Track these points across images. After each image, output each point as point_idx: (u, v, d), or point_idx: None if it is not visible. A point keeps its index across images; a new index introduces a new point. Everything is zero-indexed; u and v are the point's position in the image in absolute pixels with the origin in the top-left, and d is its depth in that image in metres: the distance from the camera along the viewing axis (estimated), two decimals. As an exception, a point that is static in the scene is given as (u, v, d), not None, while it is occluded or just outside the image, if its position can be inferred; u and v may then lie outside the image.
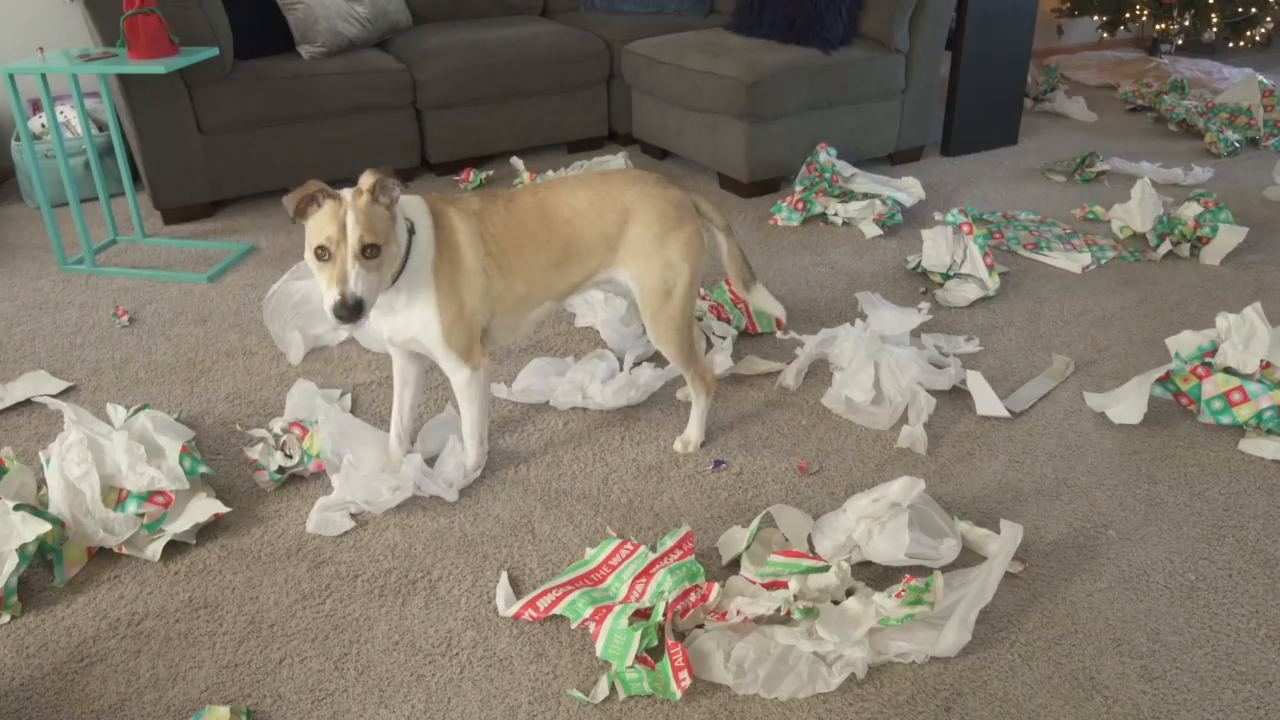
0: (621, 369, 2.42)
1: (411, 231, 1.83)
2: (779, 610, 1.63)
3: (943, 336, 2.58)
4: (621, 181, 1.99)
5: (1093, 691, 1.55)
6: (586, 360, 2.42)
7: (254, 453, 2.07)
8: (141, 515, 1.87)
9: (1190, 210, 3.13)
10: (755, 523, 1.82)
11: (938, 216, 3.18)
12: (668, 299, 1.99)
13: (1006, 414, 2.26)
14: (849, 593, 1.68)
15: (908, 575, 1.64)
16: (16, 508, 1.79)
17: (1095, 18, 5.68)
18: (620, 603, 1.68)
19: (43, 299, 2.99)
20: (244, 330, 2.76)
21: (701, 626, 1.65)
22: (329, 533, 1.93)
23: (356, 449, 2.03)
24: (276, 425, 2.11)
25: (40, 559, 1.83)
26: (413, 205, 1.87)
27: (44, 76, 2.93)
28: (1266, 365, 2.17)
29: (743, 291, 2.17)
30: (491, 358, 1.99)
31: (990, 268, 2.84)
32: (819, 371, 2.47)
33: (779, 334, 2.66)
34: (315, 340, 2.62)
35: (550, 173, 3.74)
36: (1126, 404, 2.20)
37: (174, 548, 1.90)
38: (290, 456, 2.06)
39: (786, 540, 1.85)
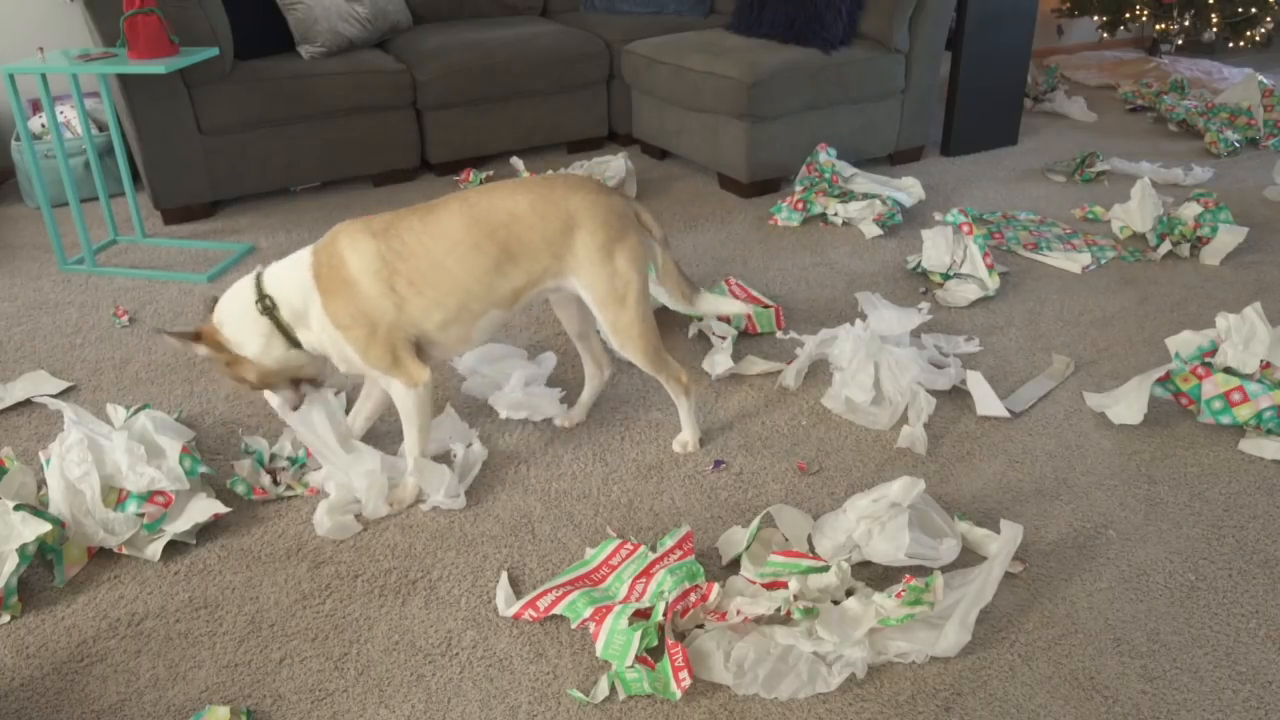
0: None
1: (271, 310, 1.90)
2: (779, 610, 1.63)
3: (943, 336, 2.57)
4: (565, 187, 1.94)
5: (1093, 691, 1.55)
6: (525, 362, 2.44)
7: (242, 468, 2.06)
8: (141, 515, 1.87)
9: (1190, 210, 3.13)
10: (755, 523, 1.82)
11: (938, 216, 3.17)
12: (623, 307, 1.96)
13: (1006, 414, 2.26)
14: (849, 593, 1.68)
15: (908, 575, 1.64)
16: (16, 508, 1.78)
17: (1095, 18, 5.68)
18: (620, 603, 1.68)
19: (43, 299, 2.99)
20: (244, 330, 2.76)
21: (701, 626, 1.65)
22: (340, 536, 1.93)
23: (350, 459, 2.02)
24: (284, 449, 2.13)
25: (40, 559, 1.83)
26: (292, 287, 1.89)
27: (44, 76, 2.93)
28: (1266, 365, 2.17)
29: (688, 307, 2.12)
30: (428, 372, 1.96)
31: (990, 268, 2.84)
32: (819, 371, 2.47)
33: (779, 334, 2.66)
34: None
35: (550, 173, 3.74)
36: (1126, 404, 2.20)
37: (174, 548, 1.90)
38: (278, 484, 2.05)
39: (786, 540, 1.85)
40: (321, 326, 1.89)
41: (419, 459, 1.99)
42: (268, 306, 1.89)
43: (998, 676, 1.58)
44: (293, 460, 2.11)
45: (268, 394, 2.01)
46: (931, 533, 1.79)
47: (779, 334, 2.66)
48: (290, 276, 1.90)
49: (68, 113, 3.71)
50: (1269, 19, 5.35)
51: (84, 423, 1.95)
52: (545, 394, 2.31)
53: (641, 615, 1.62)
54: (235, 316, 1.91)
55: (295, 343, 1.93)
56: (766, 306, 2.72)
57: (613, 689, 1.56)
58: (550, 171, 3.81)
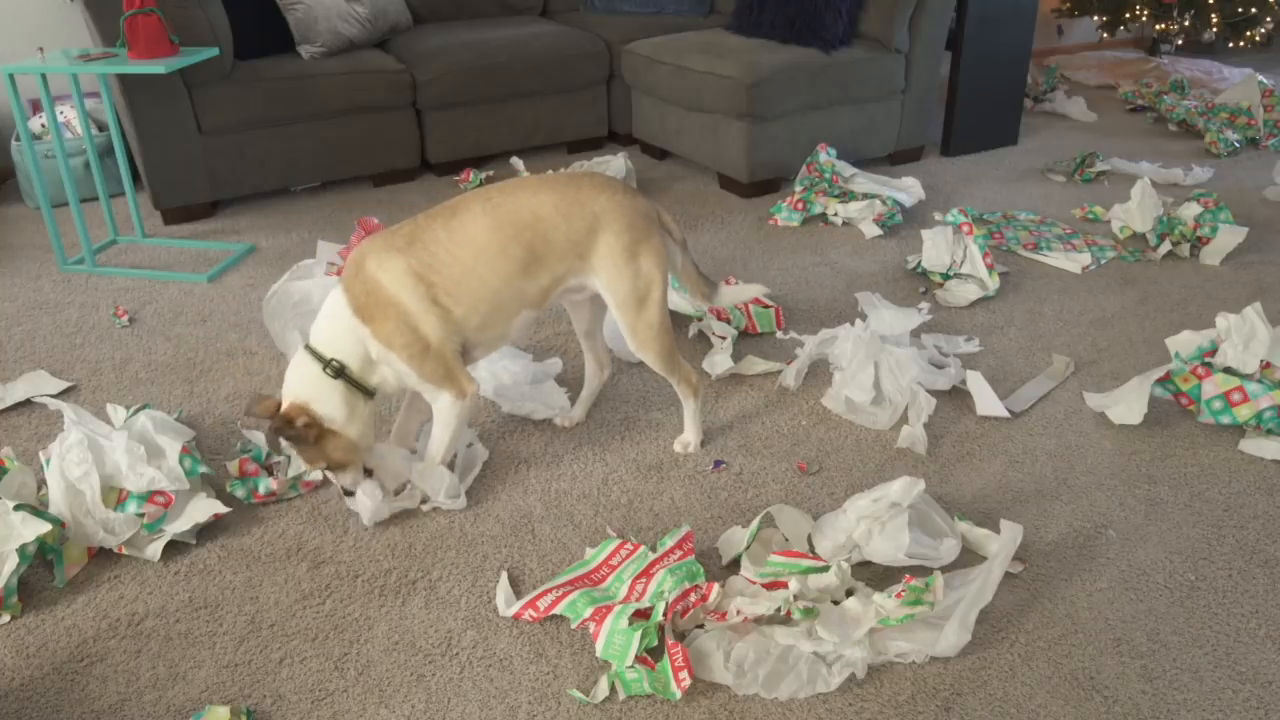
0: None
1: (342, 371, 1.85)
2: (779, 610, 1.63)
3: (943, 336, 2.57)
4: (590, 187, 1.93)
5: (1093, 691, 1.55)
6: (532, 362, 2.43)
7: (235, 467, 2.06)
8: (141, 515, 1.87)
9: (1190, 210, 3.13)
10: (755, 523, 1.82)
11: (938, 216, 3.18)
12: (643, 308, 1.97)
13: (1006, 414, 2.26)
14: (849, 593, 1.68)
15: (908, 575, 1.64)
16: (16, 508, 1.78)
17: (1095, 18, 5.68)
18: (620, 603, 1.68)
19: (43, 299, 2.99)
20: (244, 330, 2.76)
21: (701, 626, 1.65)
22: (379, 519, 1.93)
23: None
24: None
25: (40, 559, 1.83)
26: (345, 337, 1.85)
27: (44, 76, 2.93)
28: (1266, 365, 2.17)
29: (709, 302, 2.16)
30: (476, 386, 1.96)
31: (990, 268, 2.84)
32: (819, 371, 2.47)
33: (779, 334, 2.66)
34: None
35: (575, 168, 3.74)
36: (1126, 404, 2.20)
37: (174, 548, 1.90)
38: (272, 474, 2.05)
39: (786, 540, 1.85)
40: (380, 356, 1.86)
41: (426, 462, 2.00)
42: (338, 369, 1.85)
43: (998, 676, 1.58)
44: (289, 457, 2.11)
45: (331, 475, 1.94)
46: (931, 533, 1.79)
47: (779, 334, 2.66)
48: (337, 328, 1.86)
49: (68, 113, 3.71)
50: (1269, 19, 5.35)
51: (84, 423, 1.95)
52: (550, 390, 2.32)
53: (641, 615, 1.62)
54: (312, 390, 1.85)
55: (370, 392, 1.89)
56: (766, 307, 2.72)
57: (613, 689, 1.56)
58: (550, 171, 3.80)
